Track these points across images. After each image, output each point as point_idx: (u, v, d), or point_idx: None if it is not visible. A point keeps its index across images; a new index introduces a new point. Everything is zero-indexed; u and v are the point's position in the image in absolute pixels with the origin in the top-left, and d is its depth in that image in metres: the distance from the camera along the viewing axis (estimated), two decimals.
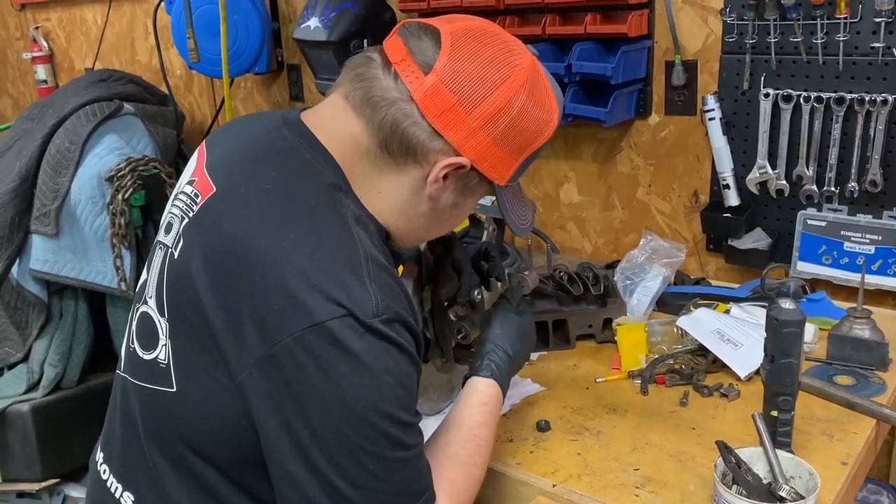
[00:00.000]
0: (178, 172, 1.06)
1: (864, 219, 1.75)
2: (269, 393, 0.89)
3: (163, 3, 2.71)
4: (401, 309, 0.92)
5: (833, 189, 1.77)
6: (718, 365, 1.44)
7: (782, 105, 1.78)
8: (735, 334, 1.45)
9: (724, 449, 1.06)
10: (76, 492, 2.43)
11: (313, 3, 2.32)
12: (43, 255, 2.30)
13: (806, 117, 1.76)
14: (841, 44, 1.67)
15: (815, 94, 1.73)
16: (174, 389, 0.98)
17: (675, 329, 1.53)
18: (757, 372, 1.36)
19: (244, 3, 2.57)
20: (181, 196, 1.06)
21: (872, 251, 1.74)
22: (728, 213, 1.90)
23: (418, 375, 0.95)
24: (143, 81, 2.80)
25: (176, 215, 1.04)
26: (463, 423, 1.09)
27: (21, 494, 2.40)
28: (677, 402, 1.35)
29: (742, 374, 1.40)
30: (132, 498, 1.04)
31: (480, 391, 1.13)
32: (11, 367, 2.40)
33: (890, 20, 1.62)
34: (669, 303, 1.69)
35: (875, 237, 1.74)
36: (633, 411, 1.34)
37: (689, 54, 1.91)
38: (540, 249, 2.09)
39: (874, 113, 1.67)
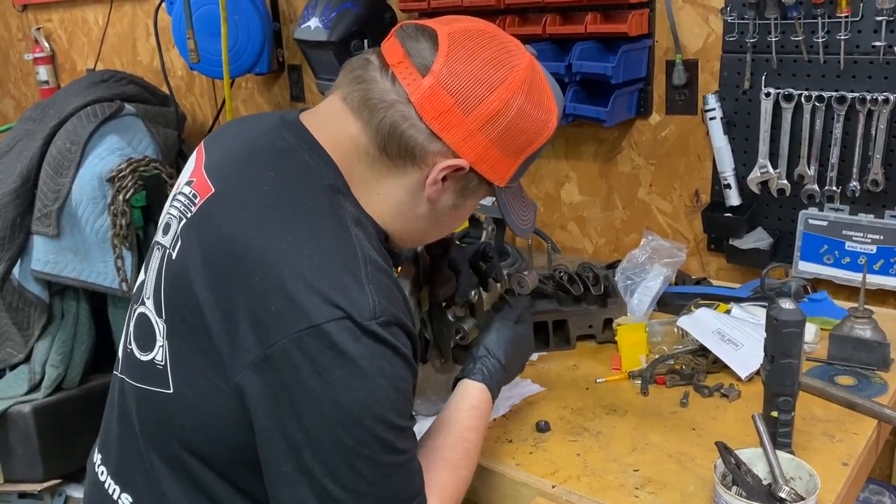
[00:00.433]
0: (179, 173, 1.06)
1: (865, 218, 1.75)
2: (264, 394, 0.89)
3: (164, 4, 2.72)
4: (399, 312, 0.92)
5: (834, 188, 1.77)
6: (719, 365, 1.43)
7: (783, 104, 1.77)
8: (736, 334, 1.45)
9: (724, 450, 1.05)
10: (78, 492, 2.44)
11: (314, 4, 2.32)
12: (44, 256, 2.31)
13: (807, 116, 1.75)
14: (842, 43, 1.67)
15: (817, 93, 1.72)
16: (171, 391, 0.98)
17: (675, 329, 1.53)
18: (758, 372, 1.35)
19: (245, 3, 2.57)
20: (179, 196, 1.06)
21: (874, 251, 1.74)
22: (729, 213, 1.89)
23: (414, 379, 0.95)
24: (144, 82, 2.81)
25: (174, 216, 1.04)
26: (454, 427, 1.09)
27: (23, 495, 2.40)
28: (677, 403, 1.35)
29: (743, 375, 1.40)
30: (130, 499, 1.04)
31: (472, 395, 1.13)
32: (13, 367, 2.41)
33: (891, 19, 1.62)
34: (670, 303, 1.68)
35: (877, 237, 1.73)
36: (633, 412, 1.34)
37: (690, 53, 1.91)
38: (541, 249, 2.09)
39: (875, 112, 1.67)
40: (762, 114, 1.80)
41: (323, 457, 0.87)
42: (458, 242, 1.26)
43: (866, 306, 1.45)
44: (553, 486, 1.15)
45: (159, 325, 1.00)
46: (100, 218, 2.31)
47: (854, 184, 1.73)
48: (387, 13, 2.32)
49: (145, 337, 1.02)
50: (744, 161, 1.87)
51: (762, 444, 1.07)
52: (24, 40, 3.88)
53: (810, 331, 1.48)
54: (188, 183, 1.06)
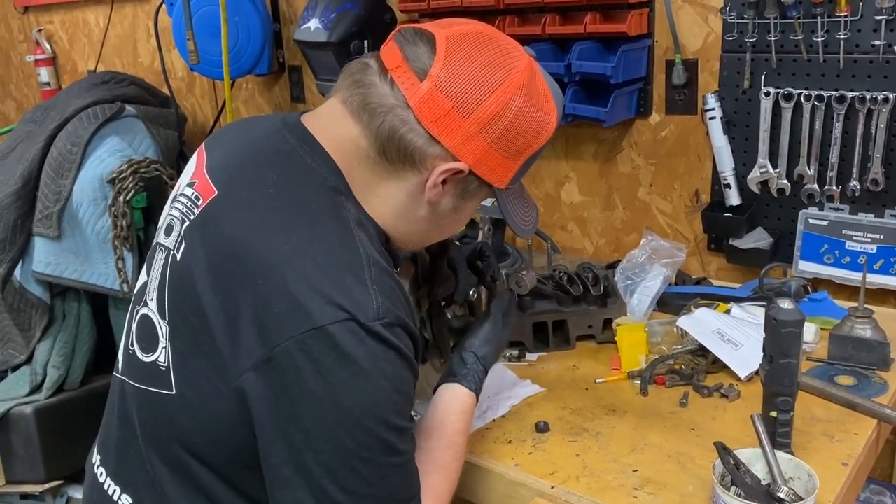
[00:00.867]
0: (180, 174, 1.06)
1: (865, 218, 1.75)
2: (265, 396, 0.89)
3: (164, 5, 2.72)
4: (402, 313, 0.93)
5: (834, 188, 1.77)
6: (719, 365, 1.43)
7: (783, 104, 1.77)
8: (735, 334, 1.45)
9: (723, 450, 1.05)
10: (79, 494, 2.43)
11: (314, 5, 2.32)
12: (45, 258, 2.31)
13: (807, 116, 1.75)
14: (841, 42, 1.67)
15: (816, 92, 1.72)
16: (173, 392, 0.98)
17: (675, 329, 1.53)
18: (757, 372, 1.35)
19: (245, 4, 2.57)
20: (181, 198, 1.06)
21: (874, 250, 1.74)
22: (729, 213, 1.89)
23: (415, 381, 0.96)
24: (144, 83, 2.81)
25: (176, 217, 1.04)
26: (445, 429, 1.10)
27: (24, 496, 2.41)
28: (677, 403, 1.35)
29: (742, 375, 1.40)
30: (130, 500, 1.04)
31: (462, 399, 1.14)
32: (15, 369, 2.41)
33: (891, 18, 1.61)
34: (670, 303, 1.68)
35: (877, 236, 1.73)
36: (632, 412, 1.34)
37: (690, 53, 1.91)
38: (541, 249, 2.09)
39: (875, 111, 1.67)
40: (762, 113, 1.80)
41: (323, 458, 0.88)
42: (456, 242, 1.26)
43: (866, 306, 1.45)
44: (552, 487, 1.15)
45: (162, 327, 1.00)
46: (101, 219, 2.31)
47: (854, 183, 1.73)
48: (387, 14, 2.32)
49: (148, 338, 1.03)
50: (744, 161, 1.87)
51: (761, 445, 1.07)
52: (25, 42, 3.89)
53: (810, 331, 1.48)
54: (190, 184, 1.06)
